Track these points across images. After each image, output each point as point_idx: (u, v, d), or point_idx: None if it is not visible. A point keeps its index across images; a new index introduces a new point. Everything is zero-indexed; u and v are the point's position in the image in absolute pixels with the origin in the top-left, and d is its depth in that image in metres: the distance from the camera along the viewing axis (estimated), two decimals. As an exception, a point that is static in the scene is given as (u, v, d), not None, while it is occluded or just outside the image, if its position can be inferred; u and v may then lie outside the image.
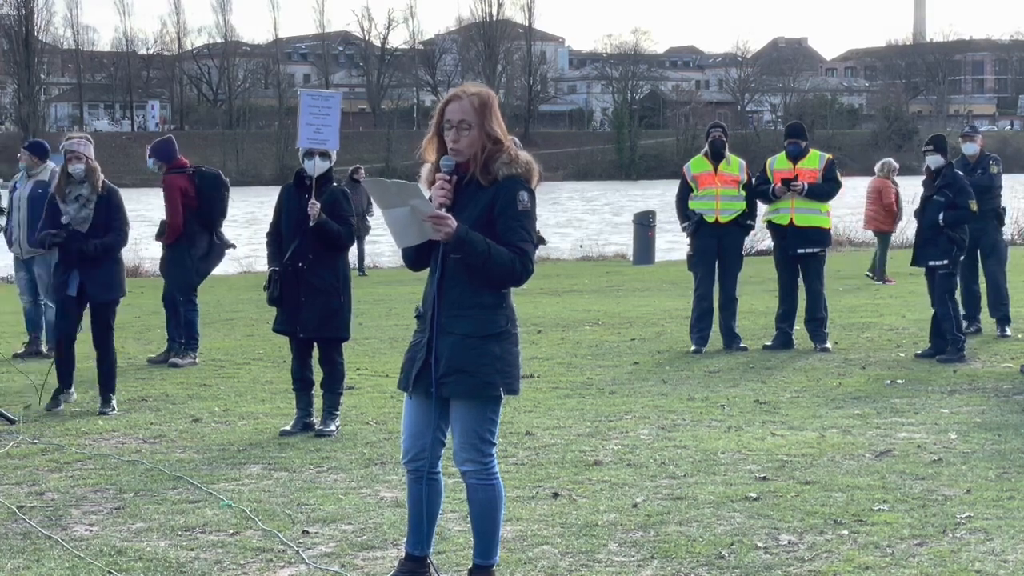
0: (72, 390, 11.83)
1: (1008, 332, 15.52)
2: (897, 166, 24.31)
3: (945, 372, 12.97)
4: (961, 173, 14.35)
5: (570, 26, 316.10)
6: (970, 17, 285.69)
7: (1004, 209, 16.18)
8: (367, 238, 30.32)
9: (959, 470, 8.64)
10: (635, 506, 7.83)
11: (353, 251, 27.94)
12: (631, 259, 33.25)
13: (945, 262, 13.93)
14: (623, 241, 38.01)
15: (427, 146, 6.02)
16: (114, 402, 11.48)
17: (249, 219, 52.72)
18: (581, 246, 37.23)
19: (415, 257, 6.06)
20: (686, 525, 7.40)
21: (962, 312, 14.88)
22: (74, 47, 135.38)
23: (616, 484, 8.41)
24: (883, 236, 24.05)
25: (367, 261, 30.76)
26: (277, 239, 10.49)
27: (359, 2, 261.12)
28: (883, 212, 23.74)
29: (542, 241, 31.25)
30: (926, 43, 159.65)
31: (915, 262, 14.46)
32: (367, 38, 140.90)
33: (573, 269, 30.63)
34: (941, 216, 13.91)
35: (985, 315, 16.00)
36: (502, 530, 6.22)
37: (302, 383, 10.51)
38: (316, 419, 10.45)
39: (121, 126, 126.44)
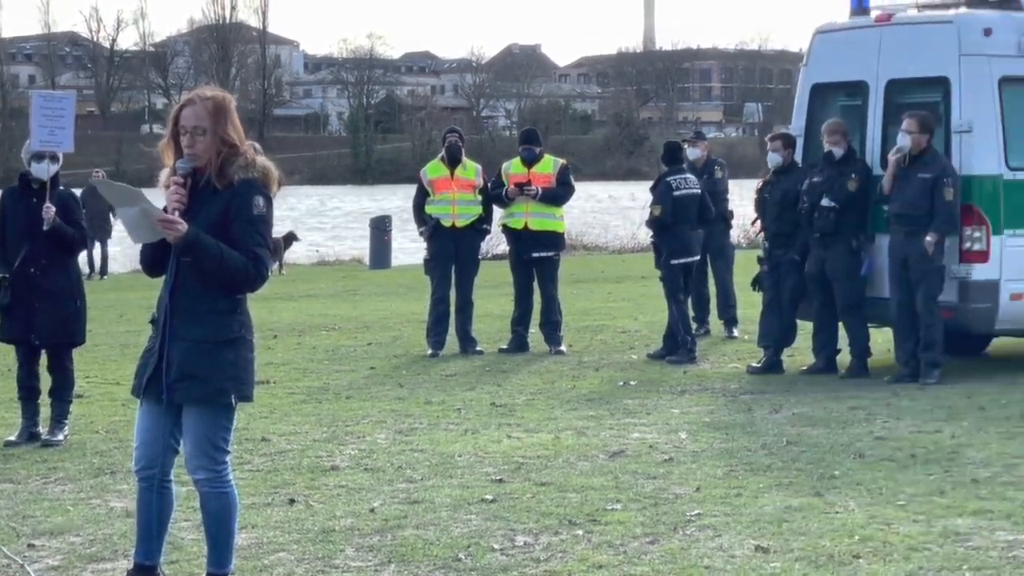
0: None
1: (735, 333, 15.89)
2: None
3: (676, 373, 13.24)
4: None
5: (305, 30, 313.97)
6: (698, 27, 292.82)
7: (731, 212, 16.58)
8: (109, 240, 29.39)
9: (689, 469, 8.84)
10: (372, 511, 7.81)
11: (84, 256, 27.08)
12: (368, 263, 33.22)
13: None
14: (359, 245, 37.93)
15: (165, 150, 5.97)
16: None
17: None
18: (317, 250, 37.01)
19: (151, 261, 5.98)
20: (423, 528, 7.41)
21: (691, 314, 15.24)
22: None
23: (353, 489, 8.38)
24: None
25: (97, 265, 29.48)
26: (2, 245, 10.19)
27: (87, 2, 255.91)
28: None
29: (295, 238, 31.06)
30: (656, 51, 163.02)
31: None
32: (95, 39, 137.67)
33: (309, 273, 30.42)
34: None
35: (713, 317, 16.37)
36: (237, 538, 6.15)
37: (28, 391, 10.23)
38: (43, 429, 10.17)
39: None
